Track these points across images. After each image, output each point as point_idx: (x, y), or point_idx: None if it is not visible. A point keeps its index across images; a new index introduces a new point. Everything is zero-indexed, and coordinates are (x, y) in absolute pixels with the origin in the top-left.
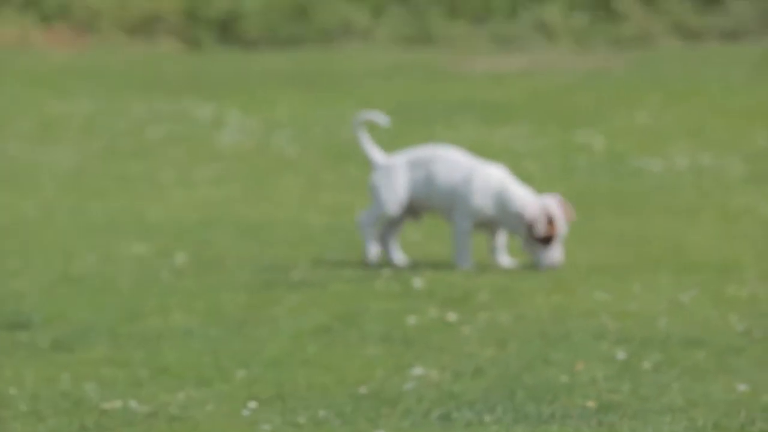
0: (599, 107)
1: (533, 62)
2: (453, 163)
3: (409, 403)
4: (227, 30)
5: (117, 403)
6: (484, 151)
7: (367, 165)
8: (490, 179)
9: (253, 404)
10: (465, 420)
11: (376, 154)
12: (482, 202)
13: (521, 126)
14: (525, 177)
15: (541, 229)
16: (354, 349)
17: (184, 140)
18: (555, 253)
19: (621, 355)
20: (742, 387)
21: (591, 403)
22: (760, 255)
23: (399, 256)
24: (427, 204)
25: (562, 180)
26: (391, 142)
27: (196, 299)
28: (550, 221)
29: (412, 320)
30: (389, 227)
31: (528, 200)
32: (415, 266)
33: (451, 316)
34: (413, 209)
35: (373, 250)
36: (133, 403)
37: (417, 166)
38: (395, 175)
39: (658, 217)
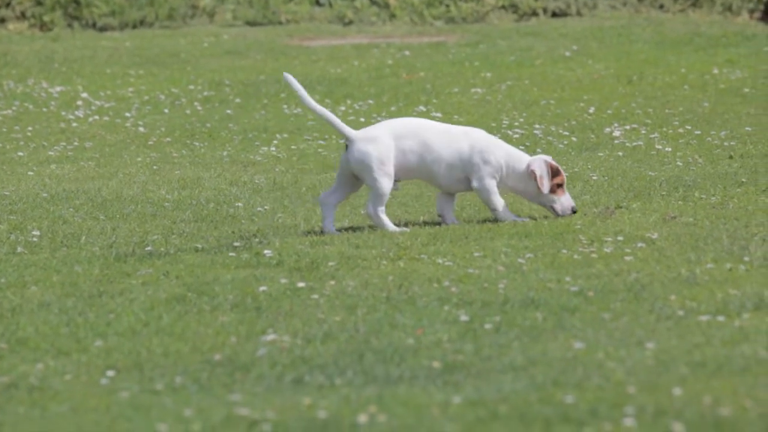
0: (436, 83)
1: (372, 39)
2: (444, 132)
3: (262, 369)
4: (76, 12)
5: None
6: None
7: (214, 140)
8: (489, 138)
9: (110, 373)
10: (317, 383)
11: (346, 127)
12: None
13: (363, 101)
14: None
15: (548, 184)
16: (207, 318)
17: (35, 119)
18: (569, 199)
19: (463, 317)
20: (578, 345)
21: (436, 364)
22: (591, 221)
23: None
24: (418, 174)
25: None
26: (238, 119)
27: (52, 273)
28: (557, 171)
29: (263, 288)
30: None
31: (530, 158)
32: (263, 235)
33: (301, 284)
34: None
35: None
36: None
37: (402, 138)
38: (384, 147)
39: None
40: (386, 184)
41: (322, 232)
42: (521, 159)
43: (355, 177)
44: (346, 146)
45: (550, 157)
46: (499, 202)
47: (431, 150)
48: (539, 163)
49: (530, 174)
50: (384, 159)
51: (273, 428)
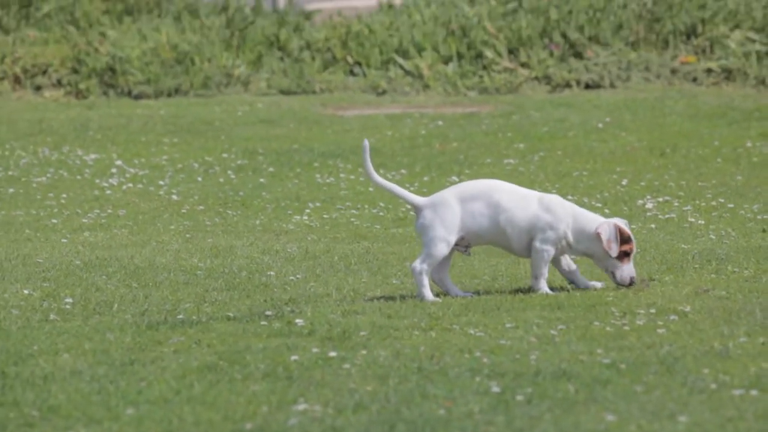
0: (469, 152)
1: (406, 110)
2: (515, 193)
3: None
4: (111, 80)
5: None
6: (362, 194)
7: (247, 209)
8: (563, 204)
9: None
10: None
11: (412, 195)
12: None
13: (396, 170)
14: (402, 219)
15: (615, 248)
16: (239, 386)
17: (70, 186)
18: (631, 269)
19: (495, 388)
20: (609, 417)
21: None
22: (623, 293)
23: (456, 290)
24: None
25: None
26: (271, 187)
27: (84, 340)
28: (628, 239)
29: (294, 357)
30: (440, 265)
31: (601, 220)
32: (295, 304)
33: (332, 353)
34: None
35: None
36: None
37: (470, 201)
38: (449, 211)
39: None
40: (441, 247)
41: (352, 301)
42: (592, 220)
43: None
44: (417, 215)
45: (625, 222)
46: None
47: (504, 211)
48: (608, 226)
49: (597, 236)
50: (446, 223)
51: None
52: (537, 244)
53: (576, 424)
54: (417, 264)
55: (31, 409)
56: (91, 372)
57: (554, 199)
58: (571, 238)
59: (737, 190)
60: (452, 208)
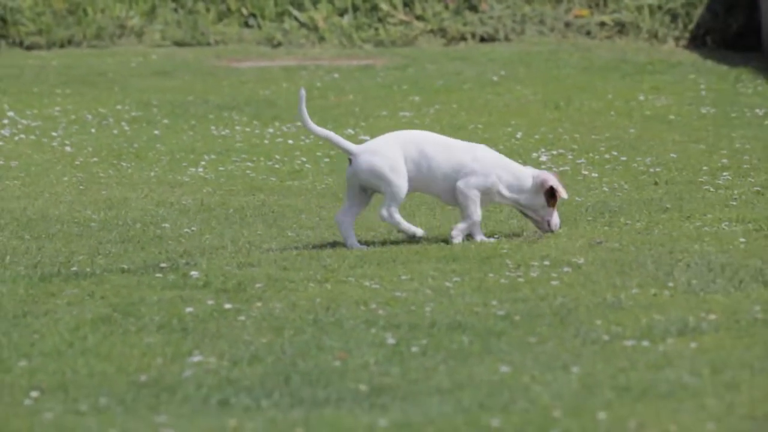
0: (365, 105)
1: (302, 62)
2: (441, 143)
3: (188, 390)
4: (2, 30)
5: None
6: (257, 146)
7: (141, 161)
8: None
9: (34, 394)
10: (243, 405)
11: (348, 143)
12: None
13: (292, 123)
14: (298, 171)
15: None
16: (133, 339)
17: None
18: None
19: (390, 340)
20: (504, 368)
21: (363, 387)
22: (517, 245)
23: (354, 241)
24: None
25: (331, 173)
26: (165, 140)
27: None
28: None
29: (189, 309)
30: (349, 210)
31: (535, 171)
32: (190, 257)
33: (227, 305)
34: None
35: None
36: None
37: (403, 147)
38: (391, 156)
39: (423, 209)
40: (400, 186)
41: (248, 253)
42: (525, 170)
43: (364, 190)
44: (350, 161)
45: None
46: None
47: (431, 159)
48: (552, 175)
49: (547, 187)
50: (393, 164)
51: None
52: (460, 184)
53: (470, 375)
54: (383, 211)
55: None
56: None
57: (482, 149)
58: (502, 188)
59: (630, 143)
60: (394, 151)
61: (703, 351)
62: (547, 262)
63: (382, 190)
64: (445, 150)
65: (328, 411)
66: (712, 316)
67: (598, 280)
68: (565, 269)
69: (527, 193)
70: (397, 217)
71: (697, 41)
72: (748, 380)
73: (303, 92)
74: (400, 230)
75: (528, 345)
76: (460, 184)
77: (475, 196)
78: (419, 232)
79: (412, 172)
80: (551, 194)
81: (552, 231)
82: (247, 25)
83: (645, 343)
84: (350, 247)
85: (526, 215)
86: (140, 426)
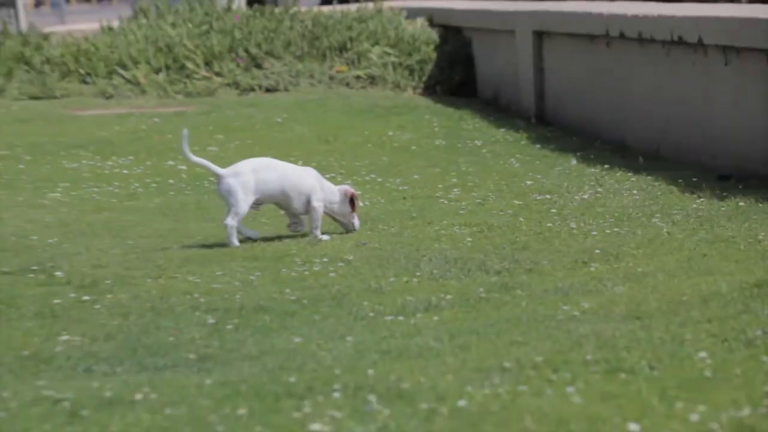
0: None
1: (130, 110)
2: (286, 168)
3: (60, 361)
4: None
5: None
6: (101, 176)
7: (11, 189)
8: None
9: None
10: (102, 371)
11: (217, 168)
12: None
13: (125, 157)
14: (133, 194)
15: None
16: (15, 324)
17: None
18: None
19: (210, 320)
20: (296, 339)
21: (192, 356)
22: (303, 247)
23: (253, 232)
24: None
25: (159, 196)
26: (29, 172)
27: None
28: (353, 197)
29: (57, 301)
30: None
31: (338, 187)
32: (55, 261)
33: (86, 297)
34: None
35: (236, 242)
36: None
37: (260, 171)
38: (245, 180)
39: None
40: (244, 205)
41: (99, 257)
42: (335, 187)
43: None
44: (217, 182)
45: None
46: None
47: (287, 179)
48: (352, 188)
49: (349, 196)
50: (246, 188)
51: (71, 404)
52: (315, 204)
53: (272, 345)
54: (228, 220)
55: None
56: None
57: (312, 173)
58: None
59: (384, 167)
60: (248, 177)
61: (443, 322)
62: (326, 259)
63: (231, 205)
64: (294, 172)
65: (167, 374)
66: (449, 296)
67: (365, 271)
68: (340, 264)
69: (338, 203)
70: (234, 231)
71: (430, 90)
72: (476, 343)
73: (185, 132)
74: (227, 242)
75: (314, 322)
76: (315, 204)
77: (319, 208)
78: (235, 243)
79: (275, 190)
80: (352, 202)
81: (355, 230)
82: (84, 82)
83: (401, 318)
84: (252, 238)
85: (335, 219)
86: (26, 388)
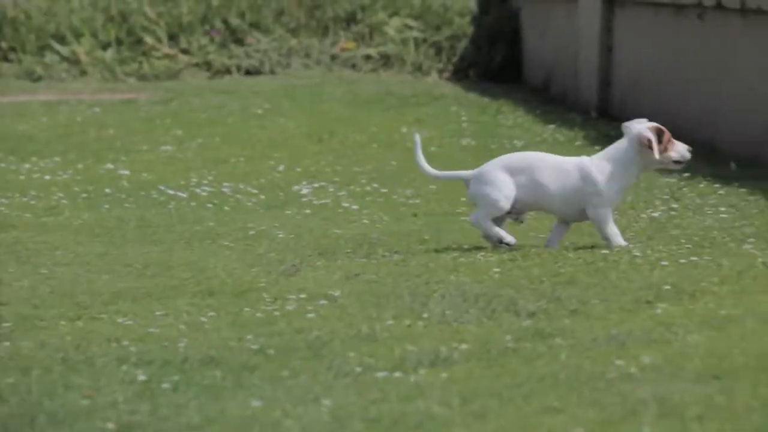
0: (126, 139)
1: (62, 96)
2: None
3: None
4: None
5: None
6: (12, 182)
7: None
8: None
9: None
10: None
11: (462, 172)
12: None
13: (50, 158)
14: (54, 207)
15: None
16: None
17: None
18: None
19: (141, 377)
20: (256, 403)
21: (111, 425)
22: (275, 279)
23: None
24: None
25: (89, 210)
26: None
27: None
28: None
29: None
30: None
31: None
32: None
33: None
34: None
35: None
36: None
37: (515, 172)
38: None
39: (181, 244)
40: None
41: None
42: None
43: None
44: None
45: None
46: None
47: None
48: (646, 130)
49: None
50: (498, 185)
51: None
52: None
53: (222, 410)
54: (473, 217)
55: None
56: None
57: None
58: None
59: (391, 175)
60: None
61: (453, 381)
62: (303, 295)
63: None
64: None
65: None
66: (464, 346)
67: (354, 312)
68: (322, 302)
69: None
70: (489, 224)
71: (461, 74)
72: (496, 409)
73: (417, 136)
74: None
75: (281, 379)
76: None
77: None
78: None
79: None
80: None
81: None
82: (6, 59)
83: (397, 375)
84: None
85: None
86: None
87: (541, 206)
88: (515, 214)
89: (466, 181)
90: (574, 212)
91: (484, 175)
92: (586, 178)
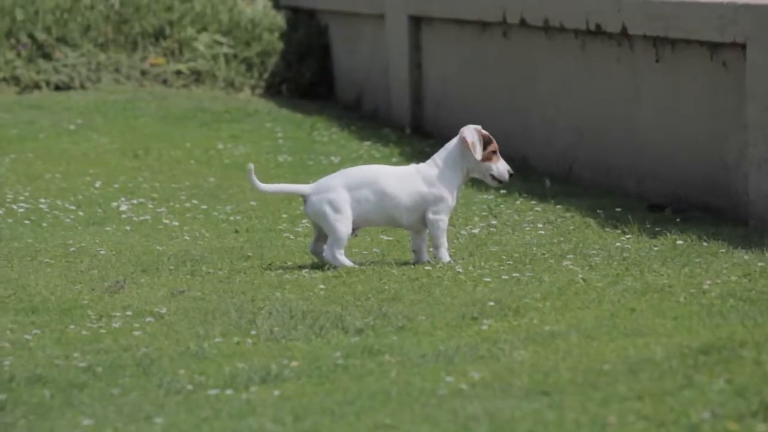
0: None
1: None
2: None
3: None
4: None
5: None
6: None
7: None
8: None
9: None
10: None
11: (300, 186)
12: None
13: None
14: None
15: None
16: None
17: None
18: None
19: None
20: (86, 421)
21: None
22: (99, 296)
23: None
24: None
25: None
26: None
27: None
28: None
29: None
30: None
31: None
32: None
33: None
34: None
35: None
36: None
37: (356, 188)
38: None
39: (0, 261)
40: (343, 228)
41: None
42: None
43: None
44: (304, 201)
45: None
46: None
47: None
48: (469, 131)
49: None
50: (339, 206)
51: None
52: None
53: (51, 429)
54: (327, 253)
55: None
56: None
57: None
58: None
59: (210, 191)
60: (340, 194)
61: (285, 398)
62: (129, 313)
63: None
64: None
65: None
66: (294, 363)
67: (181, 329)
68: (148, 319)
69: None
70: (341, 259)
71: (273, 90)
72: (328, 426)
73: (251, 167)
74: None
75: (111, 397)
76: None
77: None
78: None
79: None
80: None
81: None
82: None
83: (229, 392)
84: (345, 265)
85: None
86: None
87: (389, 217)
88: (353, 229)
89: (304, 197)
90: (418, 220)
91: (325, 195)
92: (429, 181)
